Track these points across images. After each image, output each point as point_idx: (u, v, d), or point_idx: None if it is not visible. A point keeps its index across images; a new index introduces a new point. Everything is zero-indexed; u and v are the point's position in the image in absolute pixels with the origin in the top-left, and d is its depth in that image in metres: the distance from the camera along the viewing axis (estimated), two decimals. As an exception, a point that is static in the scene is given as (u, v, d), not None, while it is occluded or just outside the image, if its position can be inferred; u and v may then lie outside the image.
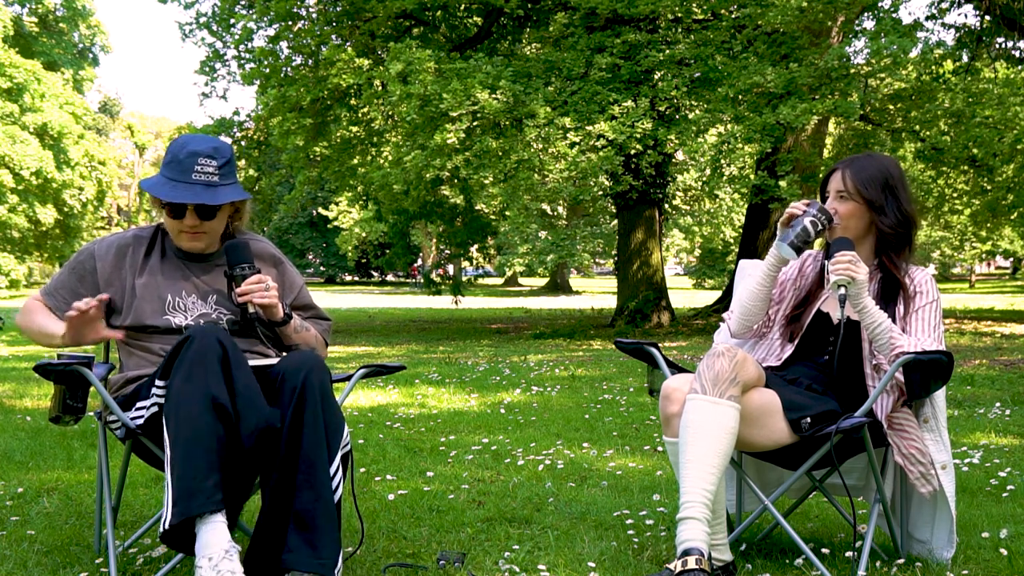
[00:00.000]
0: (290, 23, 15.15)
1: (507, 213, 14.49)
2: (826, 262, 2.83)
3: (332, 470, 2.45)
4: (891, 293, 2.81)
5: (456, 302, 21.15)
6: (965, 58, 16.64)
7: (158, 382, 2.47)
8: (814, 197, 3.04)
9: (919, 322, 2.76)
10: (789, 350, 2.89)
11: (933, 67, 15.60)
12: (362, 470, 4.23)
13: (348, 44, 14.56)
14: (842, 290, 2.67)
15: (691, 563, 2.36)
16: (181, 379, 2.37)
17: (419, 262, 44.97)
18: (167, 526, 2.31)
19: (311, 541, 2.37)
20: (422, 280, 22.30)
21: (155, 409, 2.50)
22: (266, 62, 15.70)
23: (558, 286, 43.73)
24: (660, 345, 3.00)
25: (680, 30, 13.79)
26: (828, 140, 18.99)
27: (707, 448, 2.51)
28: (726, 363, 2.58)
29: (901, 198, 2.80)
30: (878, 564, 2.79)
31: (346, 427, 2.56)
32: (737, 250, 20.49)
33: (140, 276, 2.77)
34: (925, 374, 2.61)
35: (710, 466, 2.51)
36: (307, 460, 2.42)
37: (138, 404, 2.59)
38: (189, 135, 2.80)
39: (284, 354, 2.73)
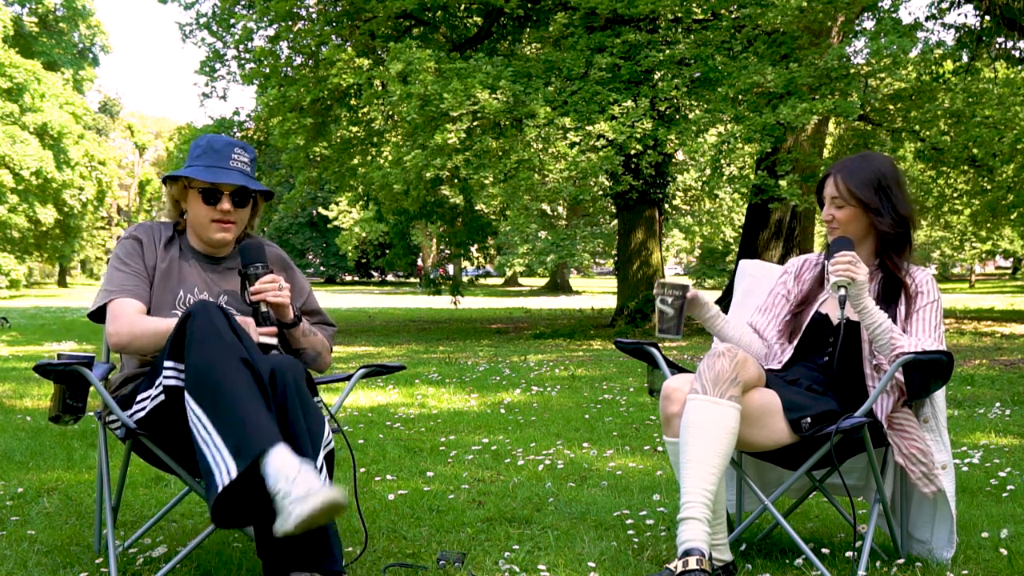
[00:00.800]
0: (290, 23, 15.14)
1: (507, 213, 14.48)
2: (826, 262, 2.82)
3: (316, 467, 2.41)
4: (892, 294, 2.81)
5: (455, 303, 21.15)
6: (965, 58, 16.64)
7: (167, 363, 2.43)
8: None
9: (920, 322, 2.76)
10: (789, 352, 2.89)
11: (933, 67, 15.60)
12: (362, 470, 4.23)
13: (348, 44, 14.56)
14: (842, 291, 2.66)
15: (692, 563, 2.37)
16: (198, 350, 2.35)
17: (419, 262, 44.97)
18: (233, 477, 2.21)
19: (309, 541, 2.35)
20: (427, 279, 22.26)
21: (160, 399, 2.46)
22: (266, 62, 15.71)
23: (558, 286, 43.73)
24: (660, 345, 3.01)
25: (680, 30, 13.78)
26: (828, 140, 18.99)
27: (707, 448, 2.51)
28: (727, 363, 2.58)
29: (896, 198, 2.79)
30: (878, 564, 2.79)
31: (328, 426, 2.51)
32: (737, 250, 20.49)
33: (163, 262, 2.79)
34: (925, 374, 2.61)
35: (710, 466, 2.51)
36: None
37: (139, 396, 2.57)
38: (211, 134, 2.83)
39: None
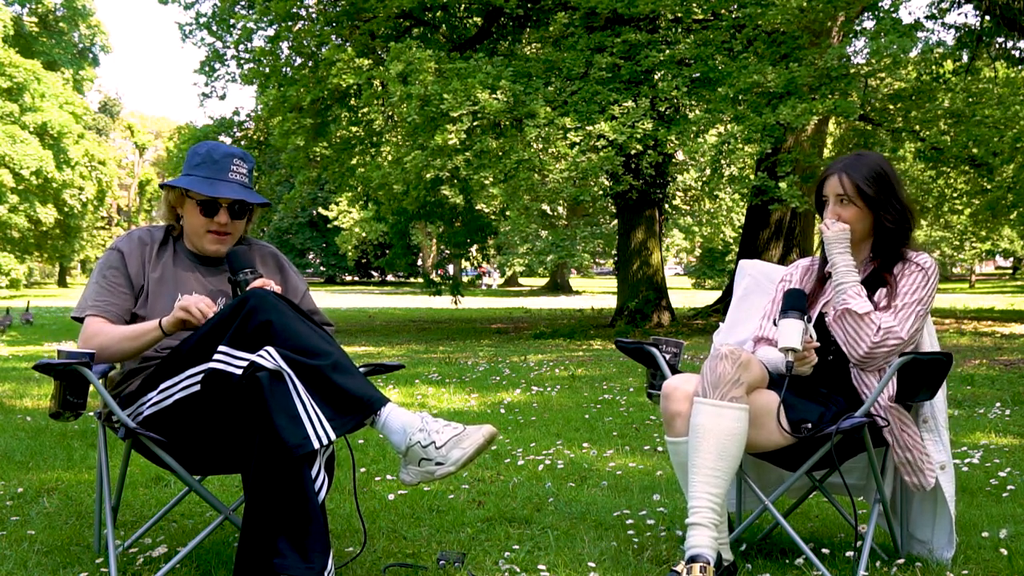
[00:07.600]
0: (290, 23, 15.14)
1: (507, 213, 14.47)
2: (777, 318, 2.69)
3: (314, 473, 2.38)
4: (882, 280, 2.80)
5: (456, 302, 21.11)
6: (965, 58, 16.63)
7: (222, 347, 2.41)
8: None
9: (899, 288, 2.74)
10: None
11: (933, 67, 15.60)
12: (362, 470, 4.23)
13: (348, 44, 14.55)
14: (790, 356, 2.61)
15: (696, 570, 2.41)
16: (286, 326, 2.43)
17: (420, 261, 44.93)
18: (333, 437, 2.33)
19: (300, 546, 2.32)
20: (427, 279, 22.13)
21: (194, 389, 2.46)
22: (266, 62, 15.70)
23: (558, 286, 43.71)
24: (660, 346, 3.00)
25: (680, 30, 13.78)
26: (828, 140, 18.98)
27: (713, 453, 2.53)
28: (729, 366, 2.59)
29: (898, 190, 2.80)
30: (878, 564, 2.79)
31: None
32: (737, 250, 20.49)
33: (155, 271, 2.79)
34: (917, 379, 2.62)
35: (717, 470, 2.53)
36: (289, 463, 2.35)
37: (161, 386, 2.54)
38: (210, 142, 2.84)
39: None
